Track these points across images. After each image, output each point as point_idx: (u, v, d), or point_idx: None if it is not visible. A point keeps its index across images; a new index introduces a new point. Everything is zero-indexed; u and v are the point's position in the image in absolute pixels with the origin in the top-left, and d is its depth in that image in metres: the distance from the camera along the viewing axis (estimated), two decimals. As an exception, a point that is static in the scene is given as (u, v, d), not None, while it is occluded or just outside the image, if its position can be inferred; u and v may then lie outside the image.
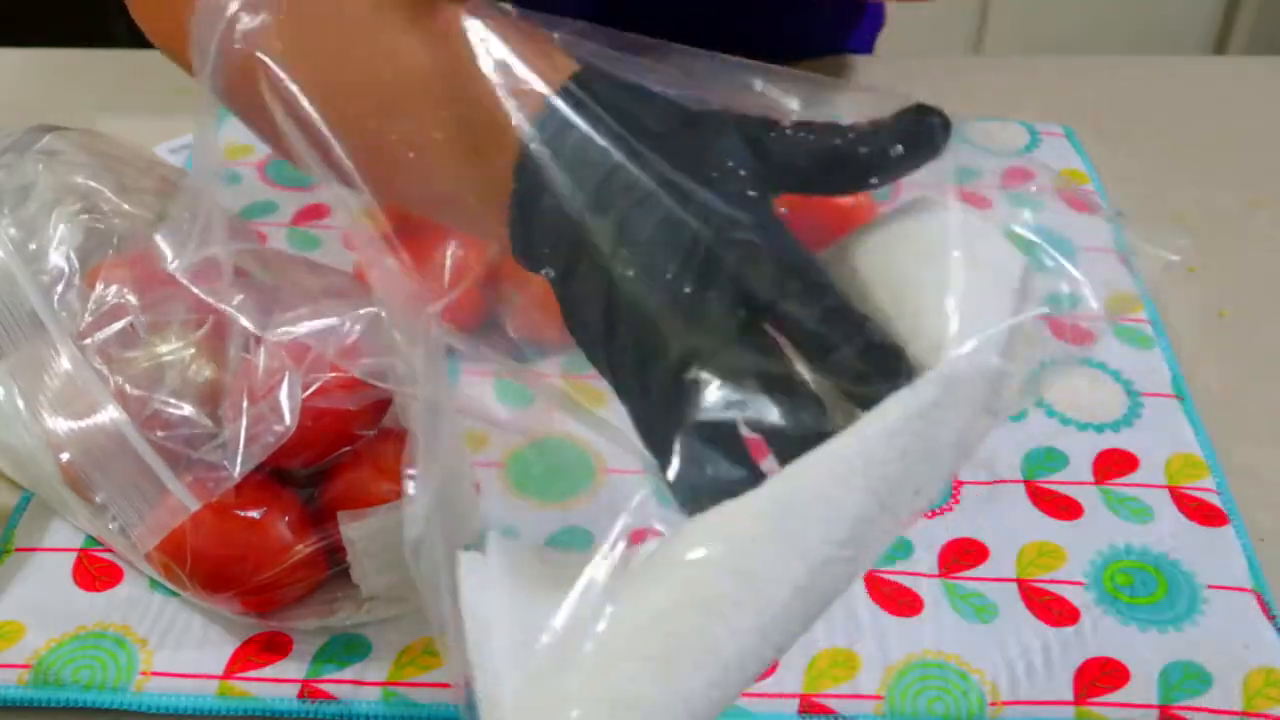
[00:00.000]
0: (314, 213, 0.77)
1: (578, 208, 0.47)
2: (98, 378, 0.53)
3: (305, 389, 0.52)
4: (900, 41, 1.05)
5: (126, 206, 0.60)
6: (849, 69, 0.95)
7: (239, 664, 0.54)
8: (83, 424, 0.52)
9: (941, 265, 0.43)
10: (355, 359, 0.53)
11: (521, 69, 0.48)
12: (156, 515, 0.52)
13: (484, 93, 0.48)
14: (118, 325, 0.54)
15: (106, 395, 0.52)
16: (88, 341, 0.54)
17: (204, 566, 0.52)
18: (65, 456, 0.53)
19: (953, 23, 1.89)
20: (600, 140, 0.47)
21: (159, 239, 0.53)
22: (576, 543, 0.58)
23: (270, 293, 0.57)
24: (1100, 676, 0.53)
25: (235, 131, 0.57)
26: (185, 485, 0.52)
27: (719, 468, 0.43)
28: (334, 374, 0.52)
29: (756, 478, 0.42)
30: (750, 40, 0.92)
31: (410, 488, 0.47)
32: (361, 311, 0.54)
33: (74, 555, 0.59)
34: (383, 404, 0.54)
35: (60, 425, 0.53)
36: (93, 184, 0.60)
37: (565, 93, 0.48)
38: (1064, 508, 0.61)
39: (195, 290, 0.54)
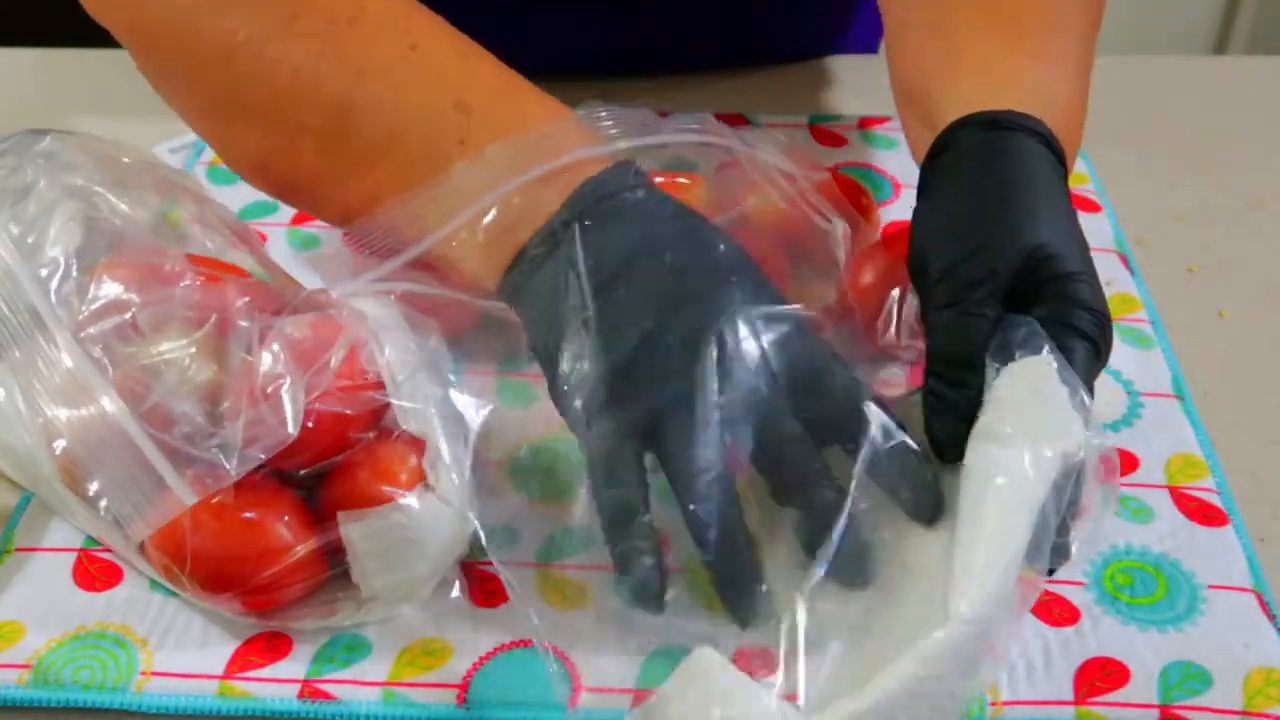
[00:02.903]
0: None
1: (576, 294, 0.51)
2: (96, 369, 0.53)
3: (309, 393, 0.52)
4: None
5: (125, 207, 0.60)
6: (850, 69, 0.95)
7: (239, 664, 0.54)
8: (80, 413, 0.52)
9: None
10: (356, 365, 0.53)
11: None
12: (153, 508, 0.52)
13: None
14: (116, 319, 0.54)
15: (105, 385, 0.52)
16: (85, 334, 0.54)
17: (204, 567, 0.52)
18: (61, 444, 0.53)
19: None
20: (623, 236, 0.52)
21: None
22: (576, 543, 0.58)
23: (273, 295, 0.57)
24: (1100, 676, 0.53)
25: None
26: (183, 480, 0.51)
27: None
28: (335, 380, 0.52)
29: None
30: (752, 41, 0.93)
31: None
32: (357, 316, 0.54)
33: (74, 555, 0.58)
34: (381, 407, 0.54)
35: (58, 415, 0.53)
36: (92, 185, 0.60)
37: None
38: (1064, 508, 0.61)
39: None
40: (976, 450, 0.49)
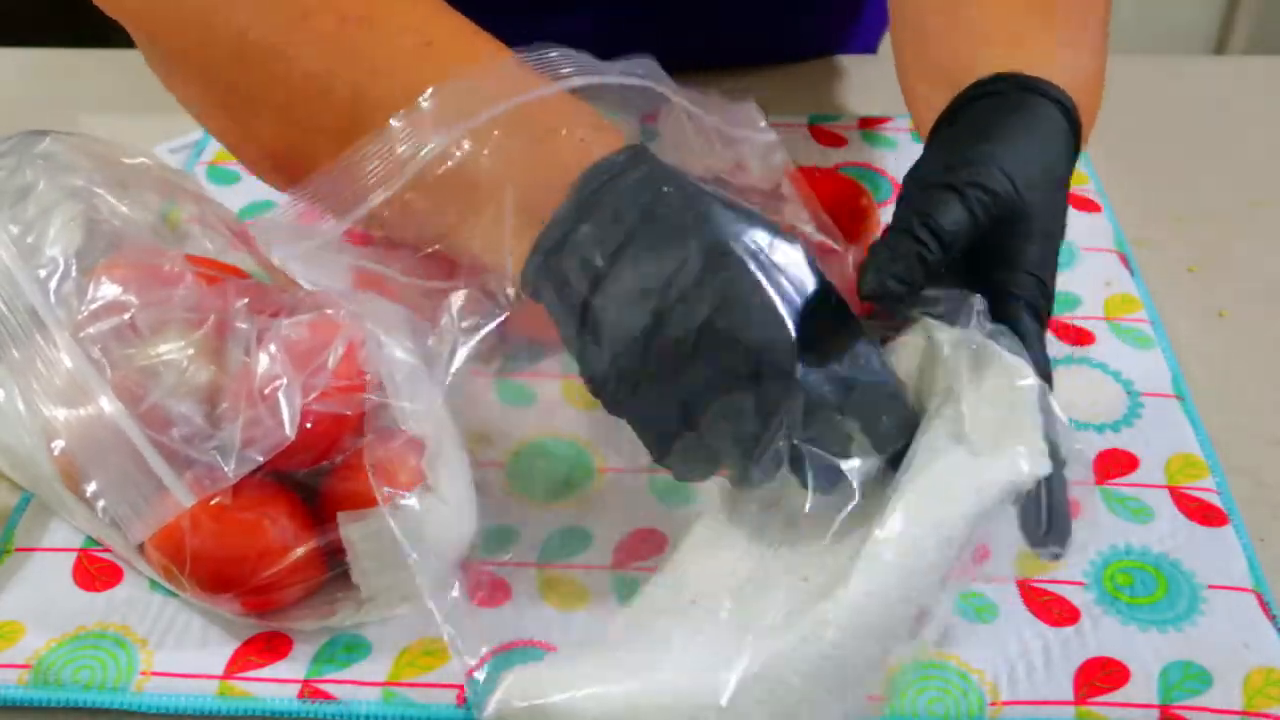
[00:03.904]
0: (314, 214, 0.77)
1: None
2: (95, 370, 0.53)
3: (305, 394, 0.52)
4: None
5: (125, 208, 0.60)
6: (850, 69, 0.95)
7: (239, 664, 0.54)
8: (79, 414, 0.52)
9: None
10: (354, 365, 0.53)
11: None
12: (151, 510, 0.52)
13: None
14: (115, 320, 0.54)
15: (104, 385, 0.52)
16: (84, 334, 0.54)
17: (203, 568, 0.52)
18: (59, 445, 0.53)
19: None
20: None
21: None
22: (576, 543, 0.58)
23: (272, 296, 0.57)
24: (1100, 676, 0.53)
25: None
26: (181, 482, 0.51)
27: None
28: (333, 380, 0.52)
29: None
30: (753, 41, 0.93)
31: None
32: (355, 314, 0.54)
33: (74, 555, 0.59)
34: (380, 408, 0.54)
35: (56, 415, 0.53)
36: (92, 187, 0.60)
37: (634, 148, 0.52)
38: (1064, 508, 0.61)
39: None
40: (934, 440, 0.49)
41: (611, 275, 0.49)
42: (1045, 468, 0.49)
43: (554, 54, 0.56)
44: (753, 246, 0.50)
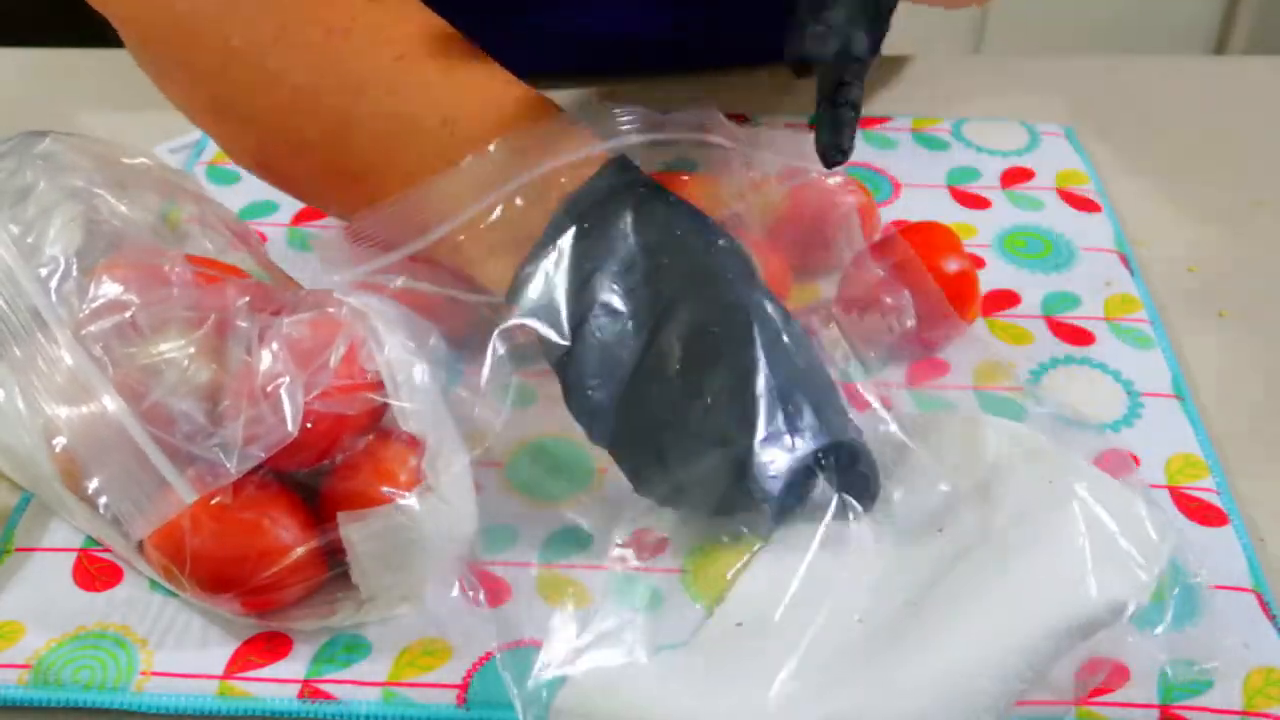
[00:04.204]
0: (314, 213, 0.77)
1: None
2: (96, 367, 0.53)
3: (308, 391, 0.52)
4: (900, 41, 1.04)
5: (124, 208, 0.60)
6: (849, 69, 0.95)
7: (239, 664, 0.54)
8: (81, 412, 0.52)
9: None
10: (355, 365, 0.53)
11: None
12: (153, 506, 0.52)
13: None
14: (116, 319, 0.54)
15: (106, 384, 0.52)
16: (85, 332, 0.54)
17: (203, 568, 0.52)
18: (61, 442, 0.53)
19: (953, 22, 1.89)
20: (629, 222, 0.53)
21: None
22: (576, 543, 0.58)
23: (272, 295, 0.57)
24: (1100, 676, 0.53)
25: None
26: (183, 478, 0.51)
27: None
28: (334, 378, 0.52)
29: None
30: (753, 41, 0.93)
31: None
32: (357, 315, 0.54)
33: (74, 555, 0.59)
34: (380, 407, 0.54)
35: (57, 413, 0.53)
36: (92, 187, 0.60)
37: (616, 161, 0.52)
38: (1064, 508, 0.60)
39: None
40: (1036, 537, 0.51)
41: (577, 344, 0.51)
42: (1146, 602, 0.50)
43: (615, 110, 0.58)
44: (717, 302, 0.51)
